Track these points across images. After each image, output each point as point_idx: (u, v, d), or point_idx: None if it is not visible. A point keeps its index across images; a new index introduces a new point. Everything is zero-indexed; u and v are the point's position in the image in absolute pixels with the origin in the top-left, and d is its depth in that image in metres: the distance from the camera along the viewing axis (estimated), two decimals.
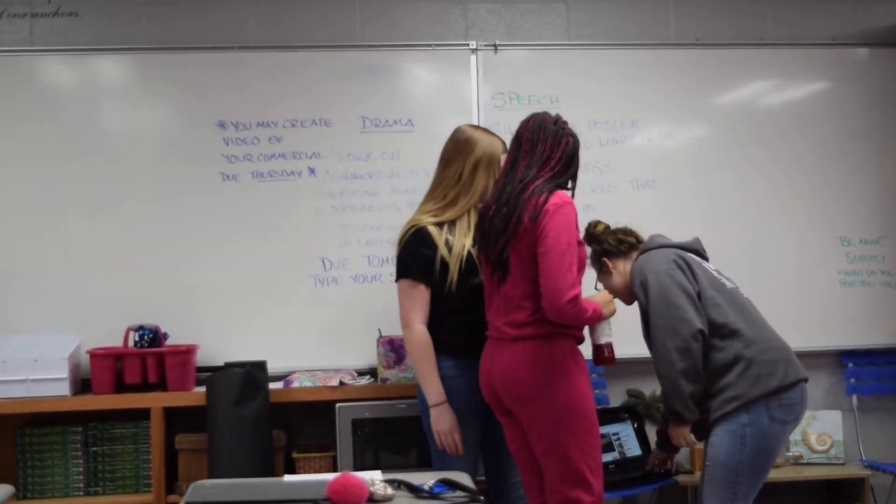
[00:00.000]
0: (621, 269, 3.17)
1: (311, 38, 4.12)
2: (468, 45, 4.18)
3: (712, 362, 2.89)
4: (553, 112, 2.87)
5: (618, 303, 3.09)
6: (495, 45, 4.19)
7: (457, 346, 3.04)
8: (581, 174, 4.09)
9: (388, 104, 4.11)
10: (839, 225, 4.32)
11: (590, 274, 3.11)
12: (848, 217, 4.33)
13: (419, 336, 3.01)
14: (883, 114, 4.37)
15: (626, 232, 3.25)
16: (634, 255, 3.15)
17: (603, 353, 2.97)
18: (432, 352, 3.00)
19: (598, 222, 3.27)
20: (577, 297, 2.62)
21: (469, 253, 3.02)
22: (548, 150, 2.80)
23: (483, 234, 2.82)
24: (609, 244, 3.20)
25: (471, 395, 3.01)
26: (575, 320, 2.69)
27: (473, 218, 3.05)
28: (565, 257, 2.62)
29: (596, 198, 4.18)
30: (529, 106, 4.17)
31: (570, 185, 2.87)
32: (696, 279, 2.95)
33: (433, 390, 2.98)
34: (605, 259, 3.19)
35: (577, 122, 4.13)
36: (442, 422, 2.95)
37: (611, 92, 4.24)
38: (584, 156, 4.13)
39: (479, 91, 4.15)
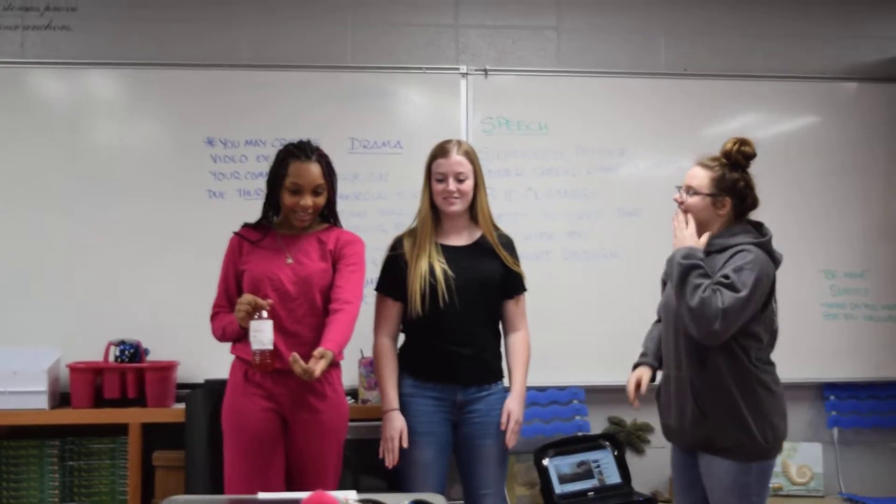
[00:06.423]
0: (722, 219, 2.85)
1: (303, 59, 4.13)
2: (459, 69, 4.20)
3: (765, 375, 2.75)
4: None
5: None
6: (486, 70, 4.21)
7: (415, 366, 3.11)
8: (568, 201, 4.18)
9: (377, 126, 4.12)
10: (824, 257, 4.34)
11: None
12: (832, 250, 4.35)
13: (376, 347, 3.15)
14: (870, 148, 4.40)
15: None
16: (739, 227, 2.84)
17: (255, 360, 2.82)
18: (387, 362, 3.11)
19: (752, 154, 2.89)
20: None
21: (427, 275, 3.04)
22: None
23: None
24: (747, 196, 2.88)
25: (427, 414, 3.06)
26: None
27: (437, 237, 3.13)
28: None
29: (582, 224, 4.20)
30: (518, 131, 4.20)
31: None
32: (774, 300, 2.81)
33: (384, 398, 3.07)
34: (729, 200, 2.85)
35: (565, 148, 4.23)
36: (387, 428, 3.01)
37: (600, 119, 4.26)
38: (572, 182, 4.23)
39: (469, 115, 4.17)
